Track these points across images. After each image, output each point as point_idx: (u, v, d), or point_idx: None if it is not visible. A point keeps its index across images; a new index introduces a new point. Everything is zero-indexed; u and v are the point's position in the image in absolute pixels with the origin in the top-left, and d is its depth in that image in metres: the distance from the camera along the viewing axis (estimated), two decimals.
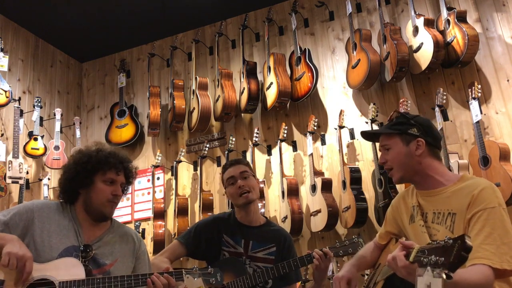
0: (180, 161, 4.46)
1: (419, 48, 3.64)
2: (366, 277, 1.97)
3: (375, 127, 3.66)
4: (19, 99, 4.42)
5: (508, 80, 3.58)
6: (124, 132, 4.81)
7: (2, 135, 4.15)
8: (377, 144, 3.56)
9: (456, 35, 3.52)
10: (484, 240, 1.52)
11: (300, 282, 2.74)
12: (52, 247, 1.80)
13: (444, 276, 1.12)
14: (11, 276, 1.67)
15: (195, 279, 1.82)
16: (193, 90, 4.57)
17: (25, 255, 1.67)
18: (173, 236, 4.19)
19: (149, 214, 4.49)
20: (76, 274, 1.76)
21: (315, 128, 3.97)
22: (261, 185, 3.97)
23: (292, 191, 3.86)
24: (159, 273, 1.82)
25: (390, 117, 1.91)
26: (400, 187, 3.38)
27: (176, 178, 4.43)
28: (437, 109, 3.45)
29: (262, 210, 3.85)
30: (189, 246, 2.42)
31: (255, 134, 4.15)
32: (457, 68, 3.68)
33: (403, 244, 1.39)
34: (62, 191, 1.97)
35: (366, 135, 2.05)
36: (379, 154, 3.59)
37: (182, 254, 2.45)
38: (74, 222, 1.91)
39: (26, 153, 4.29)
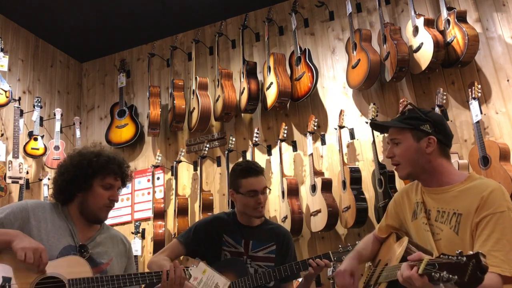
0: (180, 161, 4.46)
1: (419, 48, 3.64)
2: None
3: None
4: (19, 99, 4.41)
5: (508, 80, 3.58)
6: (124, 132, 4.81)
7: (2, 135, 4.15)
8: (377, 144, 3.60)
9: (456, 35, 3.52)
10: (493, 247, 1.49)
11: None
12: (51, 246, 1.79)
13: None
14: (19, 273, 1.65)
15: (198, 266, 1.94)
16: (193, 90, 4.57)
17: (38, 247, 1.67)
18: (173, 236, 4.19)
19: (149, 214, 4.49)
20: (83, 272, 1.76)
21: (315, 128, 3.97)
22: None
23: (292, 191, 3.86)
24: None
25: (403, 109, 1.85)
26: (400, 187, 3.38)
27: (176, 178, 4.43)
28: (437, 109, 3.45)
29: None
30: (188, 246, 2.43)
31: (255, 134, 4.15)
32: (457, 68, 3.68)
33: (411, 259, 1.34)
34: (58, 192, 1.96)
35: (375, 126, 2.00)
36: (379, 154, 3.62)
37: (181, 254, 2.46)
38: (68, 222, 1.91)
39: (26, 153, 4.29)
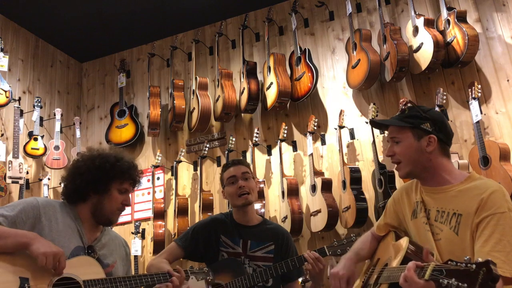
0: (180, 161, 4.46)
1: (419, 48, 3.64)
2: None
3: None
4: (19, 99, 4.42)
5: (508, 80, 3.58)
6: (124, 132, 4.81)
7: (2, 135, 4.15)
8: (377, 144, 3.59)
9: (456, 35, 3.52)
10: (494, 247, 1.49)
11: (301, 280, 2.75)
12: (62, 246, 1.78)
13: None
14: (36, 274, 1.65)
15: (198, 280, 1.94)
16: (193, 90, 4.57)
17: (58, 251, 1.67)
18: (173, 236, 4.19)
19: (149, 214, 4.49)
20: (96, 273, 1.77)
21: (315, 128, 3.97)
22: (261, 185, 3.97)
23: (292, 191, 3.86)
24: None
25: (403, 107, 1.83)
26: (399, 185, 3.38)
27: (176, 178, 4.43)
28: (437, 109, 3.45)
29: (262, 210, 3.85)
30: (187, 248, 2.43)
31: (255, 134, 4.15)
32: (457, 68, 3.68)
33: (417, 266, 1.33)
34: (73, 191, 1.94)
35: (375, 124, 2.00)
36: (379, 154, 3.62)
37: (180, 256, 2.46)
38: (77, 222, 1.91)
39: (26, 153, 4.29)
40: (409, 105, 1.82)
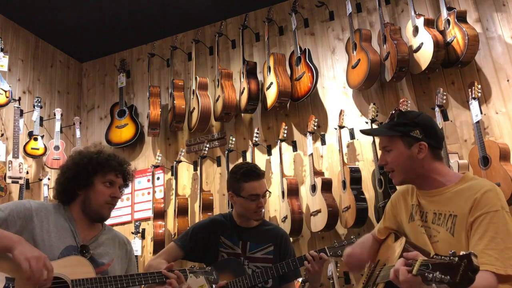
0: (180, 161, 4.47)
1: (419, 48, 3.64)
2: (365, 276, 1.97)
3: (375, 127, 3.66)
4: (19, 99, 4.42)
5: (508, 80, 3.58)
6: (124, 132, 4.81)
7: (2, 135, 4.15)
8: (377, 144, 3.59)
9: (456, 35, 3.52)
10: (487, 245, 1.49)
11: (300, 281, 2.75)
12: (52, 246, 1.79)
13: None
14: (22, 275, 1.64)
15: (198, 278, 1.91)
16: (193, 90, 4.57)
17: (40, 255, 1.66)
18: (173, 236, 4.20)
19: (149, 214, 4.49)
20: (86, 272, 1.77)
21: (315, 128, 3.97)
22: None
23: (292, 191, 3.86)
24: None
25: (392, 115, 1.83)
26: (399, 187, 3.38)
27: (176, 178, 4.43)
28: (437, 109, 3.45)
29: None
30: (186, 249, 2.42)
31: (255, 134, 4.15)
32: (457, 68, 3.68)
33: (406, 257, 1.35)
34: (60, 191, 1.97)
35: (366, 133, 2.02)
36: (379, 154, 3.60)
37: (179, 257, 2.46)
38: (70, 222, 1.91)
39: (26, 153, 4.29)
40: (398, 112, 1.81)
